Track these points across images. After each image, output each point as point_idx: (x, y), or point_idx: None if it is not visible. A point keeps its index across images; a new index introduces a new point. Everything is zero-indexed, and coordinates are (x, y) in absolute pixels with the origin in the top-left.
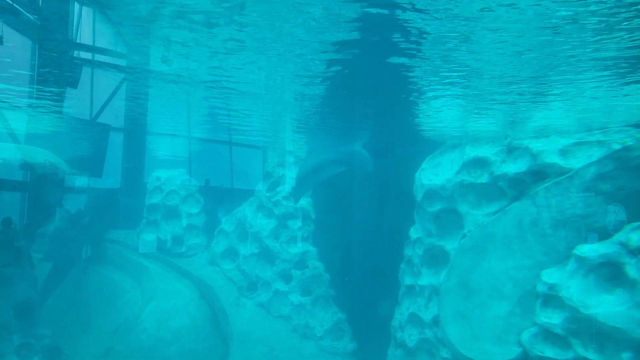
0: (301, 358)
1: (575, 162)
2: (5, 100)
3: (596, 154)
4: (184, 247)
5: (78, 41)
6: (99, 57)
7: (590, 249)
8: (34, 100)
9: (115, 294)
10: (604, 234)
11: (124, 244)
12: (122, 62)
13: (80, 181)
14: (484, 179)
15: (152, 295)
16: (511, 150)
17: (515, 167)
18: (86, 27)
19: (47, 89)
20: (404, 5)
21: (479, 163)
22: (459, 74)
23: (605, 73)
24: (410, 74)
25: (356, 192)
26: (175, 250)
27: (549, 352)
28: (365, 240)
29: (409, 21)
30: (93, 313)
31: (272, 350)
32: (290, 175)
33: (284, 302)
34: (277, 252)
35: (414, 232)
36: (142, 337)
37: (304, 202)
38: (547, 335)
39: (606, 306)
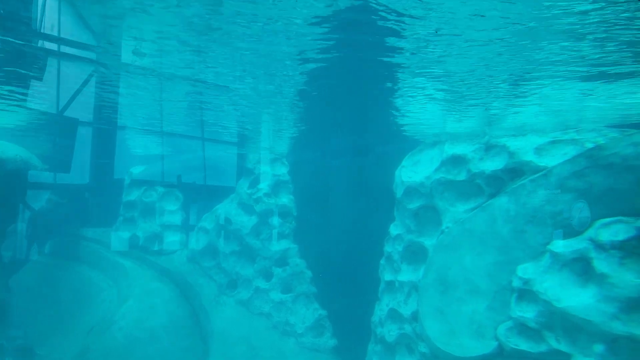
0: (282, 355)
1: (550, 160)
2: None
3: (570, 152)
4: (162, 245)
5: (42, 31)
6: (67, 50)
7: (564, 245)
8: None
9: (90, 293)
10: (577, 230)
11: (100, 242)
12: (91, 55)
13: (48, 177)
14: (462, 176)
15: (130, 293)
16: (489, 148)
17: (492, 164)
18: (51, 17)
19: (10, 81)
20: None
21: (457, 160)
22: (437, 74)
23: (578, 77)
24: (390, 73)
25: (338, 189)
26: (154, 248)
27: (523, 345)
28: (347, 237)
29: (388, 22)
30: (68, 313)
31: (252, 348)
32: (271, 172)
33: (264, 300)
34: (258, 250)
35: (393, 229)
36: (119, 337)
37: (286, 199)
38: (522, 328)
39: (578, 300)
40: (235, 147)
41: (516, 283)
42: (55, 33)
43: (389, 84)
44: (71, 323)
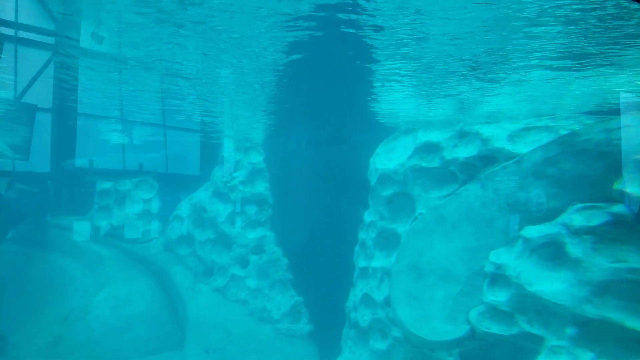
0: (258, 341)
1: (523, 147)
2: None
3: (545, 139)
4: (138, 233)
5: None
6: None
7: (536, 230)
8: None
9: (64, 282)
10: (548, 216)
11: (74, 230)
12: (49, 40)
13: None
14: (435, 163)
15: (105, 282)
16: (462, 136)
17: (466, 151)
18: (7, 1)
19: None
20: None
21: (431, 148)
22: (411, 63)
23: (552, 63)
24: (364, 63)
25: (313, 178)
26: (129, 236)
27: (495, 328)
28: (322, 225)
29: (363, 12)
30: (41, 301)
31: (229, 335)
32: (247, 161)
33: (240, 287)
34: (233, 237)
35: (367, 216)
36: (94, 325)
37: (262, 187)
38: (494, 312)
39: (550, 284)
40: (210, 136)
41: (489, 268)
42: (11, 18)
43: (362, 71)
44: (44, 312)
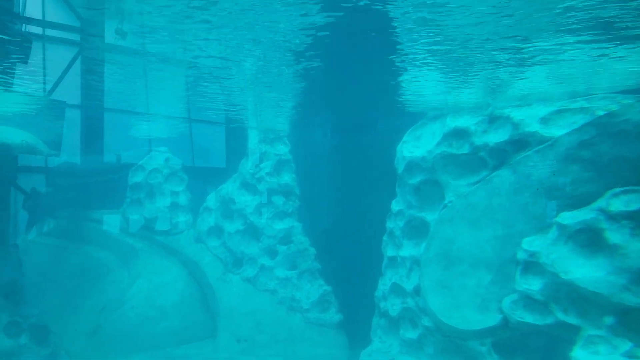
0: (288, 330)
1: (557, 130)
2: None
3: (579, 121)
4: (169, 226)
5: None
6: (51, 32)
7: (572, 216)
8: None
9: (100, 273)
10: (584, 201)
11: (108, 224)
12: (74, 37)
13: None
14: (464, 149)
15: (139, 273)
16: (492, 120)
17: (496, 136)
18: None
19: None
20: None
21: (460, 134)
22: (439, 40)
23: (588, 37)
24: (391, 45)
25: (339, 167)
26: (161, 229)
27: (528, 317)
28: (350, 215)
29: None
30: (79, 292)
31: (258, 324)
32: (273, 152)
33: (269, 277)
34: (262, 228)
35: (395, 205)
36: (130, 315)
37: (288, 178)
38: (527, 301)
39: (587, 272)
40: (237, 127)
41: (521, 255)
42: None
43: (388, 55)
44: (82, 302)
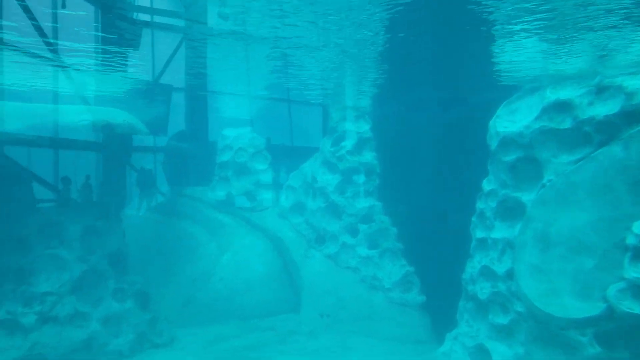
0: (370, 308)
1: None
2: (72, 63)
3: None
4: (254, 202)
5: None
6: (158, 19)
7: None
8: (98, 62)
9: (192, 246)
10: None
11: (200, 200)
12: (179, 23)
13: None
14: (566, 124)
15: (227, 247)
16: (600, 91)
17: (604, 109)
18: None
19: (110, 50)
20: None
21: (562, 107)
22: (539, 6)
23: None
24: (482, 8)
25: (424, 144)
26: (247, 205)
27: (638, 308)
28: (434, 194)
29: None
30: (174, 264)
31: (340, 300)
32: (354, 130)
33: (351, 255)
34: (343, 207)
35: (487, 184)
36: (220, 287)
37: (369, 156)
38: (637, 290)
39: None
40: (318, 106)
41: (631, 240)
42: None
43: (481, 22)
44: (177, 274)
